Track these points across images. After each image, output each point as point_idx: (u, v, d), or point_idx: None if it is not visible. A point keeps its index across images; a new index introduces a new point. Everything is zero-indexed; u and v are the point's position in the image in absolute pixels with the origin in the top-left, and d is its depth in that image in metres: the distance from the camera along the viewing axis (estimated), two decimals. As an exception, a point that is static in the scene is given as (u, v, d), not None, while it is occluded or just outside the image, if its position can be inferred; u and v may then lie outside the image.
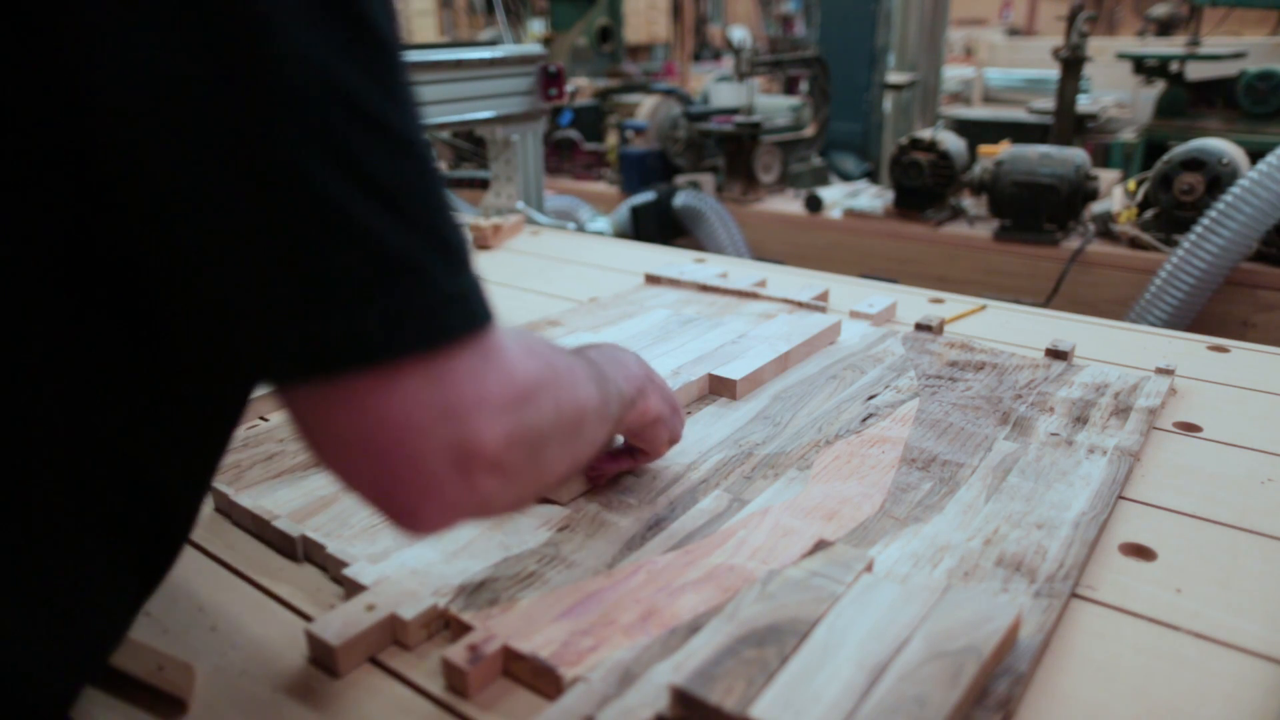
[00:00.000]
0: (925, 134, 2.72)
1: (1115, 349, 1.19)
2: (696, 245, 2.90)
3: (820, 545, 0.67)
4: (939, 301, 1.41)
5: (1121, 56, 4.01)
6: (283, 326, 0.40)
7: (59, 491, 0.45)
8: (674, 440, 0.81)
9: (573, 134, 3.77)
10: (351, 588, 0.68)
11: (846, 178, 3.72)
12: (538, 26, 6.32)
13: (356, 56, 0.39)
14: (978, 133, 3.37)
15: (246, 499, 0.79)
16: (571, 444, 0.52)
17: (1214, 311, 2.22)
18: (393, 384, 0.41)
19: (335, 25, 0.38)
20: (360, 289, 0.40)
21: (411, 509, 0.44)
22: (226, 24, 0.36)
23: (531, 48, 2.00)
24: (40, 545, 0.45)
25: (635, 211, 2.92)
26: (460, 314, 0.44)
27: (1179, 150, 2.31)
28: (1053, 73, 3.56)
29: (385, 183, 0.40)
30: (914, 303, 1.39)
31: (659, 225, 2.95)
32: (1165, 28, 5.38)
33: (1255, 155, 2.20)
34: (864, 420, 0.96)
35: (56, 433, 0.44)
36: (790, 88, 4.50)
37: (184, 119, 0.36)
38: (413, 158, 0.42)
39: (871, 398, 1.02)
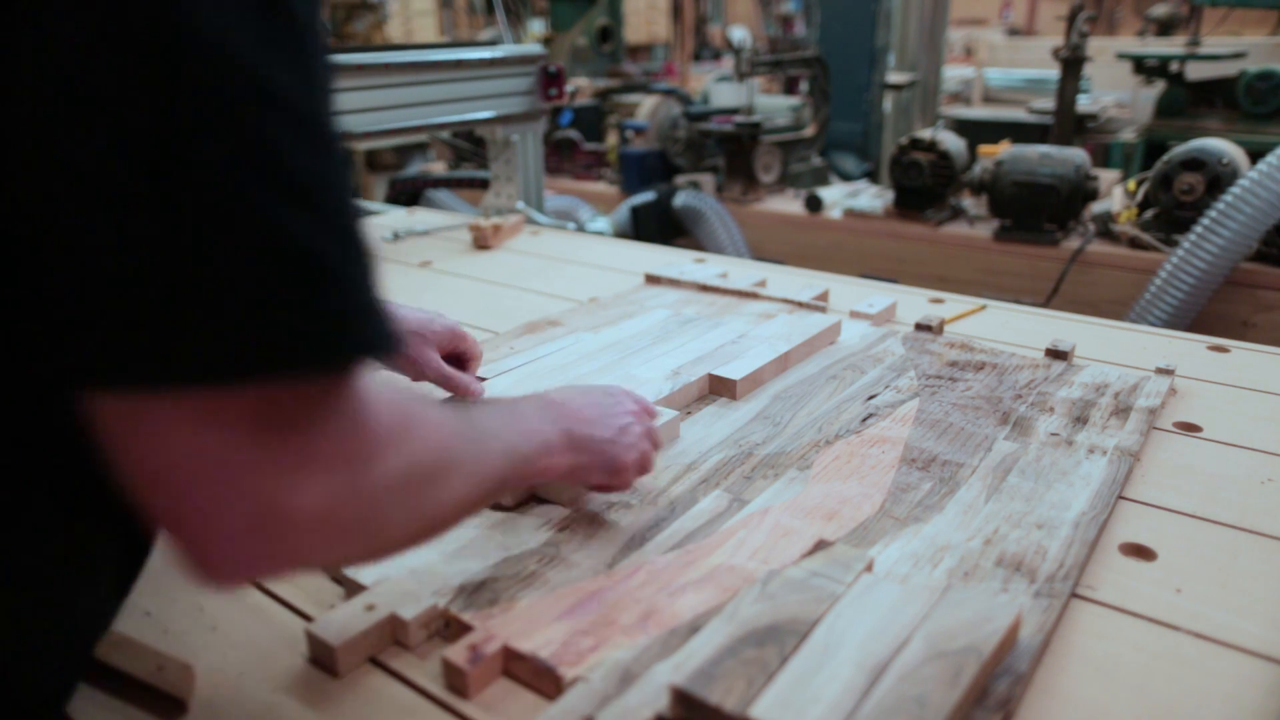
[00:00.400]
0: (925, 134, 2.72)
1: (1115, 349, 1.19)
2: (696, 245, 2.90)
3: (820, 545, 0.67)
4: (939, 301, 1.41)
5: (1121, 56, 4.01)
6: (119, 329, 0.35)
7: (34, 489, 0.45)
8: (617, 484, 0.73)
9: (573, 134, 3.76)
10: (351, 588, 0.68)
11: (846, 178, 3.72)
12: (538, 26, 6.32)
13: (272, 42, 0.36)
14: (978, 133, 3.37)
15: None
16: (422, 504, 0.47)
17: (1214, 311, 2.22)
18: (212, 418, 0.37)
19: (249, 9, 0.36)
20: (232, 294, 0.35)
21: (201, 561, 0.39)
22: (132, 5, 0.33)
23: (531, 48, 2.00)
24: (19, 542, 0.45)
25: (635, 211, 2.92)
26: (347, 336, 0.39)
27: (1179, 150, 2.31)
28: (1053, 73, 3.56)
29: (291, 178, 0.36)
30: (914, 303, 1.39)
31: (659, 225, 2.95)
32: (1165, 28, 5.37)
33: (1255, 155, 2.20)
34: (864, 420, 0.96)
35: (28, 430, 0.43)
36: (790, 88, 4.50)
37: (83, 96, 0.33)
38: (326, 156, 0.38)
39: (871, 398, 1.02)
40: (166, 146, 0.34)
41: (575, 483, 0.73)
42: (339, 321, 0.38)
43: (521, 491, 0.79)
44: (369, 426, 0.42)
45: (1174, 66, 3.77)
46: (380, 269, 0.41)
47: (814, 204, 2.96)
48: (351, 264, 0.39)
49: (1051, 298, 2.43)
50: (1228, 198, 2.10)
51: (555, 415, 0.67)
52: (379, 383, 0.44)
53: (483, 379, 1.03)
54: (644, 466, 0.74)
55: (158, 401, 0.36)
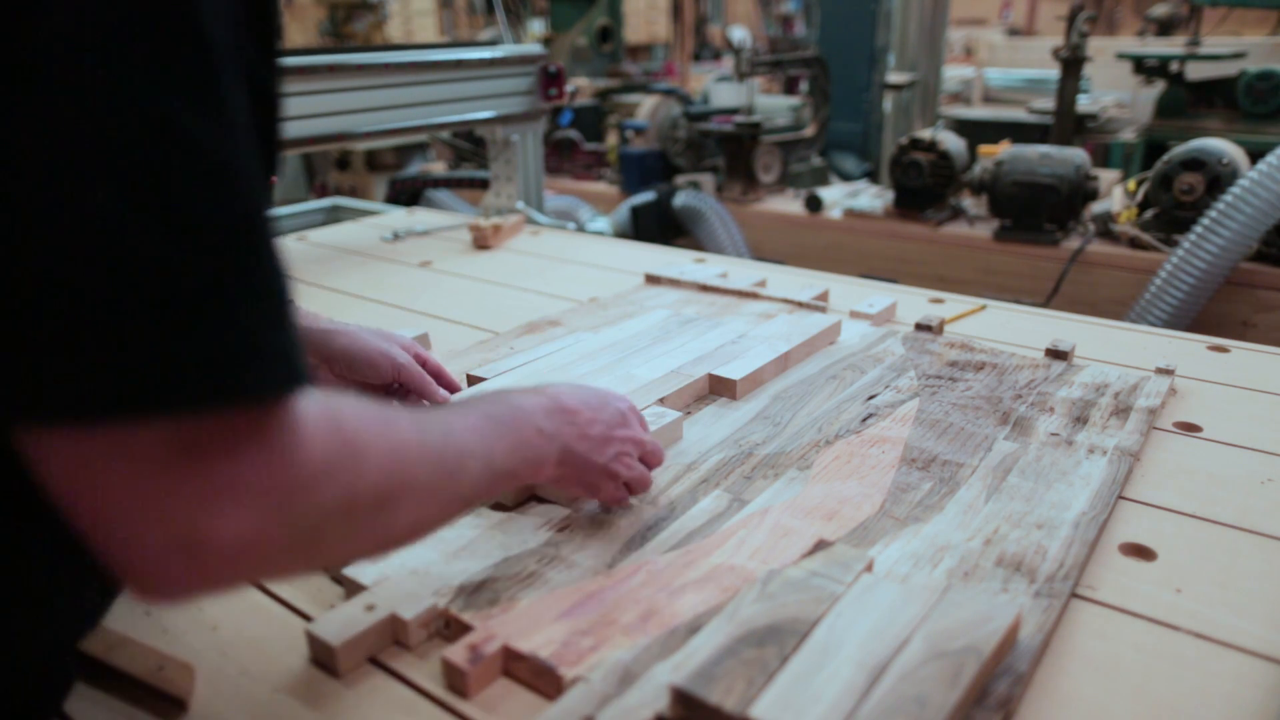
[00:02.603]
0: (925, 134, 2.72)
1: (1115, 349, 1.19)
2: (696, 245, 2.90)
3: (820, 545, 0.67)
4: (939, 301, 1.41)
5: (1121, 56, 4.01)
6: (28, 362, 0.34)
7: (11, 490, 0.45)
8: (613, 497, 0.75)
9: (573, 134, 3.77)
10: (351, 588, 0.68)
11: (846, 178, 3.72)
12: (538, 26, 6.32)
13: (174, 74, 0.35)
14: (978, 133, 3.37)
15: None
16: (369, 526, 0.47)
17: (1214, 311, 2.22)
18: (129, 448, 0.36)
19: (151, 37, 0.35)
20: (130, 330, 0.35)
21: (131, 583, 0.40)
22: (24, 34, 0.32)
23: (531, 48, 2.01)
24: (5, 544, 0.45)
25: (635, 211, 2.92)
26: (256, 375, 0.38)
27: (1179, 150, 2.31)
28: (1053, 73, 3.56)
29: (182, 208, 0.35)
30: (914, 303, 1.39)
31: (659, 225, 2.95)
32: (1165, 28, 5.37)
33: (1255, 155, 2.20)
34: (864, 420, 0.96)
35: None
36: (790, 88, 4.50)
37: None
38: (230, 189, 0.37)
39: (871, 398, 1.02)
40: (49, 183, 0.33)
41: (557, 489, 0.74)
42: (241, 357, 0.38)
43: (522, 492, 0.79)
44: (301, 455, 0.41)
45: (1174, 66, 3.77)
46: (293, 303, 0.41)
47: (814, 204, 2.96)
48: (256, 298, 0.38)
49: (1051, 298, 2.43)
50: (1228, 198, 2.10)
51: (559, 427, 0.66)
52: (341, 404, 0.44)
53: (483, 379, 1.03)
54: (633, 488, 0.76)
55: (67, 434, 0.36)
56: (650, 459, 0.77)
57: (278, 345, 0.39)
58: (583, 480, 0.71)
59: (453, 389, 0.96)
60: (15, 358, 0.34)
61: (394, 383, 0.91)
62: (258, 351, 0.38)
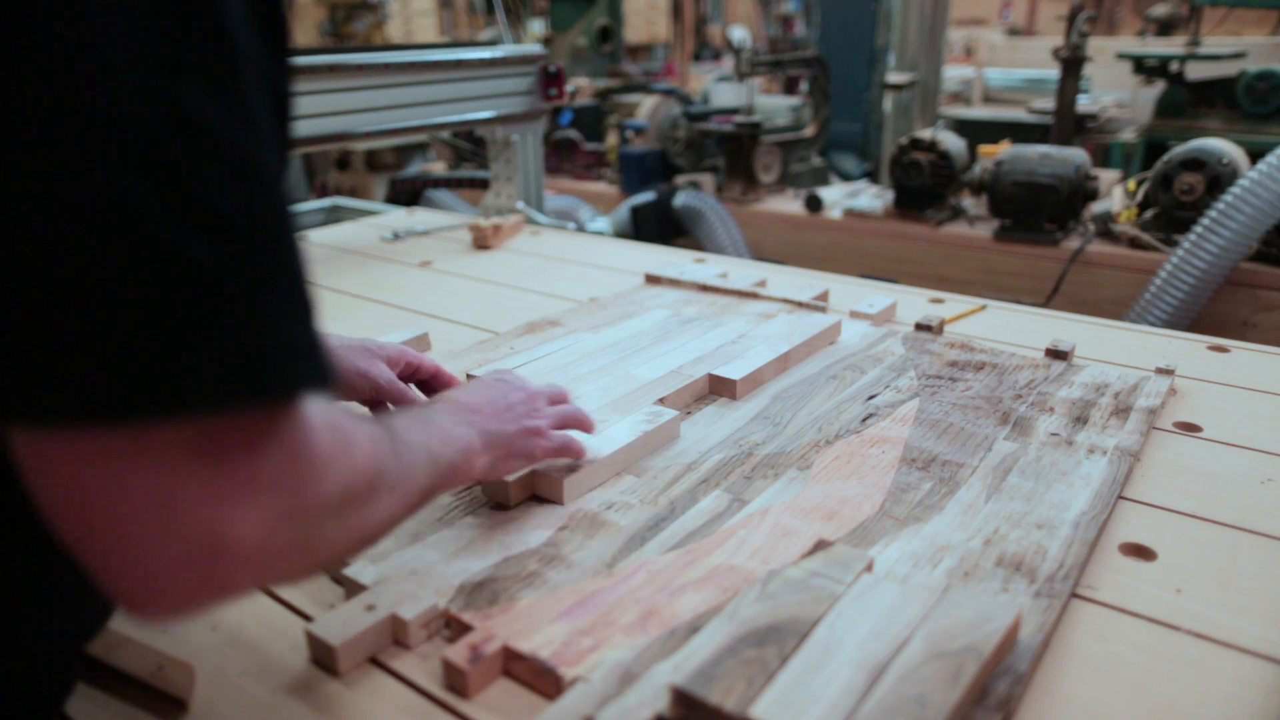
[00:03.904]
0: (925, 134, 2.72)
1: (1115, 349, 1.19)
2: (696, 245, 2.90)
3: (820, 545, 0.67)
4: (939, 301, 1.41)
5: (1121, 56, 4.01)
6: (21, 359, 0.33)
7: (14, 493, 0.45)
8: (548, 449, 0.76)
9: (573, 134, 3.77)
10: (352, 588, 0.68)
11: (846, 178, 3.72)
12: (538, 26, 6.32)
13: (199, 67, 0.35)
14: (978, 133, 3.38)
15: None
16: (356, 521, 0.47)
17: (1214, 311, 2.22)
18: (149, 447, 0.36)
19: (174, 30, 0.34)
20: (153, 325, 0.34)
21: (135, 595, 0.38)
22: (42, 22, 0.32)
23: (531, 48, 2.01)
24: (10, 549, 0.45)
25: (635, 211, 2.92)
26: (281, 372, 0.38)
27: (1179, 150, 2.31)
28: (1053, 73, 3.56)
29: (202, 201, 0.35)
30: (914, 303, 1.39)
31: (659, 225, 2.95)
32: (1165, 28, 5.37)
33: (1255, 155, 2.20)
34: (864, 420, 0.96)
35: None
36: (790, 88, 4.51)
37: None
38: (254, 184, 0.37)
39: (871, 398, 1.02)
40: (70, 176, 0.33)
41: (498, 477, 0.74)
42: (270, 356, 0.37)
43: (522, 492, 0.80)
44: (310, 450, 0.41)
45: (1174, 66, 3.78)
46: (314, 299, 0.41)
47: (814, 204, 2.96)
48: (278, 294, 0.38)
49: (1051, 298, 2.43)
50: (1228, 198, 2.10)
51: (469, 419, 0.68)
52: (320, 405, 0.43)
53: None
54: (562, 448, 0.77)
55: (88, 435, 0.35)
56: (571, 423, 0.79)
57: (301, 341, 0.39)
58: (513, 452, 0.72)
59: (452, 386, 0.96)
60: (27, 355, 0.33)
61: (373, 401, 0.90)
62: (283, 348, 0.38)
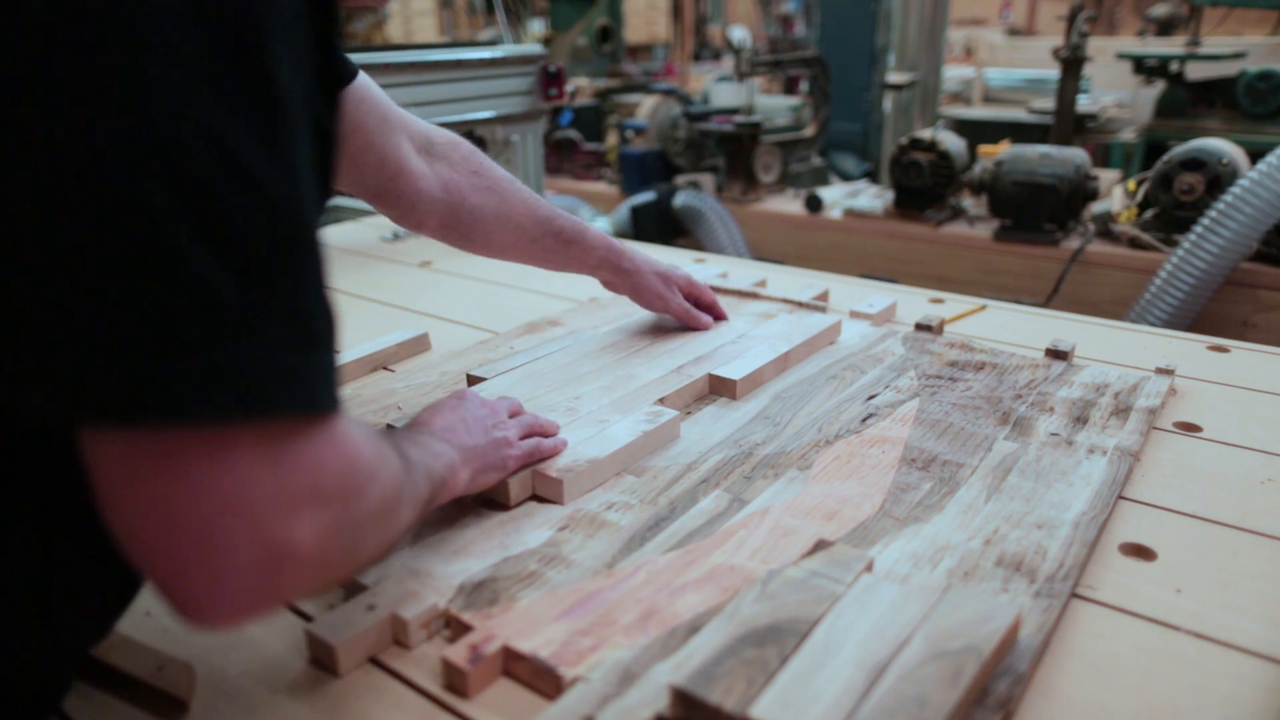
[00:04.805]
0: (925, 134, 2.72)
1: (1115, 349, 1.19)
2: (696, 245, 2.91)
3: (820, 545, 0.67)
4: (939, 301, 1.41)
5: (1121, 56, 4.01)
6: (103, 361, 0.35)
7: (35, 497, 0.45)
8: (519, 458, 0.79)
9: (573, 134, 3.77)
10: (352, 588, 0.68)
11: (846, 178, 3.72)
12: (538, 26, 6.32)
13: (240, 105, 0.37)
14: (978, 133, 3.38)
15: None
16: (384, 531, 0.50)
17: (1214, 311, 2.22)
18: (224, 452, 0.37)
19: (221, 68, 0.36)
20: (185, 338, 0.35)
21: (199, 601, 0.39)
22: (98, 47, 0.34)
23: (531, 48, 2.01)
24: (18, 548, 0.45)
25: (635, 211, 2.93)
26: (299, 391, 0.39)
27: (1179, 150, 2.31)
28: (1053, 73, 3.56)
29: (237, 238, 0.36)
30: (914, 303, 1.39)
31: (659, 225, 2.95)
32: (1165, 28, 5.38)
33: (1255, 155, 2.20)
34: (864, 420, 0.96)
35: (29, 441, 0.43)
36: (790, 88, 4.51)
37: (41, 138, 0.34)
38: (279, 220, 0.38)
39: (871, 398, 1.02)
40: (117, 186, 0.34)
41: (478, 490, 0.75)
42: (321, 370, 0.40)
43: (522, 492, 0.80)
44: (361, 462, 0.44)
45: (1174, 66, 3.78)
46: (335, 327, 0.43)
47: (814, 204, 2.96)
48: (320, 320, 0.41)
49: (1051, 298, 2.43)
50: (1228, 198, 2.10)
51: (446, 437, 0.70)
52: (353, 423, 0.45)
53: (482, 379, 1.03)
54: (531, 454, 0.79)
55: (166, 435, 0.36)
56: (535, 431, 0.82)
57: (330, 369, 0.41)
58: (488, 464, 0.74)
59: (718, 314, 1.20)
60: (107, 354, 0.35)
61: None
62: (323, 371, 0.40)
